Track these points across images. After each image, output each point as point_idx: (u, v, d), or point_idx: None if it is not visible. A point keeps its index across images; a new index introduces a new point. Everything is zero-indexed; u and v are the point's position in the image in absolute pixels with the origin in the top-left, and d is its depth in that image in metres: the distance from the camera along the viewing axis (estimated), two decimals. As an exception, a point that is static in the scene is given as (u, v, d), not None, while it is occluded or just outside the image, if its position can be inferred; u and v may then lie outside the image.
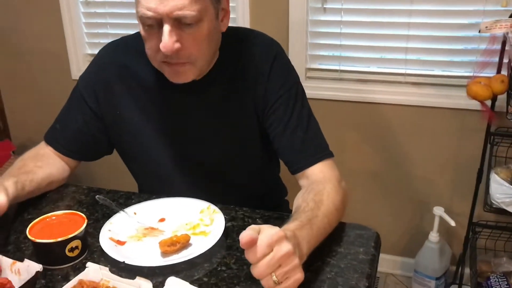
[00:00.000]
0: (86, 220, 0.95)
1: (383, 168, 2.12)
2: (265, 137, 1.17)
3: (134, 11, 1.01)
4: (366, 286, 0.85)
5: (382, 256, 2.20)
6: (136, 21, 1.03)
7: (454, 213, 2.02)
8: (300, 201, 1.00)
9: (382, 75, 2.02)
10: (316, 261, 0.91)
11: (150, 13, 0.94)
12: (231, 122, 1.15)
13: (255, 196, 1.20)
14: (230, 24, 1.12)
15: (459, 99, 1.89)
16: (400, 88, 2.00)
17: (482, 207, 1.84)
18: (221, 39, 1.12)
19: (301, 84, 1.18)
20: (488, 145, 1.79)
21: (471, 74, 1.83)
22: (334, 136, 2.10)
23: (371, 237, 0.99)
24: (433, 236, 2.02)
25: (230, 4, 2.03)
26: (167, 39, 0.95)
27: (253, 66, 1.12)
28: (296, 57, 2.04)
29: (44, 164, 1.17)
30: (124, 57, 1.17)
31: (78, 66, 2.34)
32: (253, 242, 0.74)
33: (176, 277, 0.83)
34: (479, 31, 1.61)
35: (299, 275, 0.77)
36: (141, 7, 0.95)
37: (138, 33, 1.11)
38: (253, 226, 0.77)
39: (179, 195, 1.11)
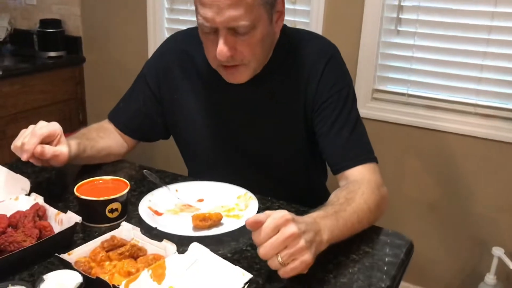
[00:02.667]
0: (128, 186, 1.01)
1: (443, 200, 2.04)
2: (312, 136, 1.18)
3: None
4: (388, 285, 0.83)
5: (433, 292, 2.12)
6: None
7: (516, 257, 1.89)
8: (332, 197, 1.00)
9: (452, 103, 1.97)
10: (340, 256, 0.90)
11: (207, 24, 1.01)
12: (279, 117, 1.18)
13: (296, 194, 1.20)
14: (306, 30, 1.20)
15: (533, 136, 1.79)
16: (470, 118, 1.94)
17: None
18: (281, 37, 1.16)
19: (353, 88, 1.19)
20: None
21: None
22: (395, 161, 2.08)
23: (404, 244, 0.96)
24: (490, 278, 1.90)
25: (304, 20, 2.10)
26: (222, 47, 1.02)
27: (307, 65, 1.15)
28: (364, 77, 2.04)
29: (106, 136, 1.26)
30: (186, 46, 1.25)
31: (156, 68, 2.49)
32: (258, 224, 0.77)
33: (200, 245, 0.86)
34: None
35: (306, 257, 0.78)
36: (199, 16, 1.03)
37: None
38: (265, 212, 0.79)
39: (224, 181, 1.15)
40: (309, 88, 1.15)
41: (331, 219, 0.89)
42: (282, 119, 1.18)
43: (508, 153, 1.87)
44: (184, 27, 2.41)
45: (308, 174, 1.30)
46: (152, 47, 2.52)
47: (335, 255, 0.91)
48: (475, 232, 2.00)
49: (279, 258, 0.77)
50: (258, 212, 1.02)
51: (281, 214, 0.79)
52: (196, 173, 1.31)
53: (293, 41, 1.18)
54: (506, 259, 1.82)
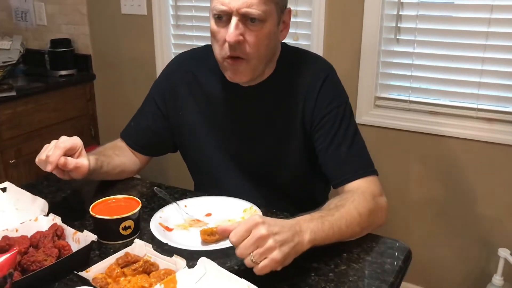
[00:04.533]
0: (140, 204, 1.07)
1: (448, 204, 2.08)
2: (311, 151, 1.24)
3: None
4: (386, 292, 0.88)
5: (441, 295, 2.15)
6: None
7: (522, 257, 1.92)
8: (325, 204, 1.06)
9: (453, 108, 2.01)
10: (341, 265, 0.96)
11: (223, 7, 1.08)
12: (279, 132, 1.24)
13: (299, 206, 1.26)
14: (305, 49, 1.26)
15: (534, 138, 1.83)
16: (471, 123, 1.97)
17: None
18: (281, 54, 1.22)
19: (349, 104, 1.24)
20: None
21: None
22: (399, 167, 2.13)
23: (402, 251, 1.01)
24: (497, 279, 1.93)
25: (306, 32, 2.16)
26: (233, 30, 1.08)
27: (305, 83, 1.22)
28: (366, 85, 2.09)
29: (120, 153, 1.34)
30: (190, 66, 1.32)
31: (164, 83, 2.56)
32: (226, 232, 0.89)
33: (209, 259, 0.92)
34: (553, 68, 1.57)
35: (274, 255, 0.86)
36: (216, 1, 1.10)
37: (206, 45, 1.25)
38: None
39: (229, 195, 1.21)
40: (306, 105, 1.21)
41: (316, 222, 0.96)
42: (282, 134, 1.24)
43: (510, 155, 1.91)
44: (189, 43, 2.52)
45: (310, 186, 1.35)
46: (160, 63, 2.60)
47: (336, 265, 0.96)
48: (481, 234, 2.03)
49: (251, 257, 0.86)
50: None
51: (253, 218, 0.89)
52: (203, 187, 1.37)
53: (293, 59, 1.25)
54: (512, 260, 1.85)
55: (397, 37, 2.03)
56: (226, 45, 1.11)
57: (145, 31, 2.60)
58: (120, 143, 1.39)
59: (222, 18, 1.11)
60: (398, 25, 2.01)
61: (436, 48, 1.96)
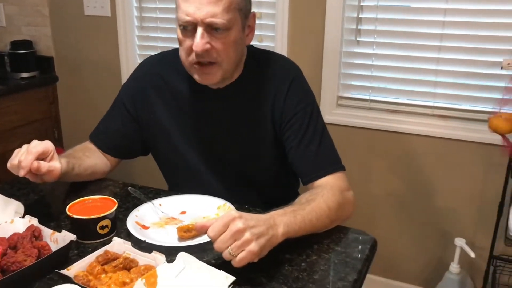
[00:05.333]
0: (116, 204, 1.10)
1: (408, 197, 2.18)
2: (281, 149, 1.29)
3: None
4: (355, 279, 0.94)
5: (403, 285, 2.26)
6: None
7: (477, 246, 2.04)
8: (297, 199, 1.12)
9: (411, 106, 2.11)
10: (313, 256, 1.01)
11: (187, 18, 1.12)
12: (249, 129, 1.29)
13: (271, 202, 1.31)
14: (271, 51, 1.30)
15: (486, 134, 1.92)
16: (428, 120, 2.08)
17: (504, 241, 1.86)
18: (248, 56, 1.27)
19: (316, 104, 1.31)
20: (511, 180, 1.83)
21: (497, 110, 1.89)
22: (362, 163, 2.21)
23: (368, 241, 1.08)
24: (454, 267, 2.04)
25: (270, 34, 2.22)
26: (199, 40, 1.12)
27: (273, 85, 1.27)
28: (329, 86, 2.17)
29: (91, 155, 1.36)
30: (159, 69, 1.35)
31: (129, 84, 2.56)
32: (204, 228, 0.93)
33: (187, 254, 0.96)
34: (501, 67, 1.69)
35: (251, 247, 0.90)
36: (181, 12, 1.13)
37: (175, 49, 1.29)
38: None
39: (203, 193, 1.24)
40: (275, 106, 1.26)
41: (289, 216, 1.01)
42: (252, 132, 1.29)
43: (464, 150, 2.03)
44: (154, 44, 2.53)
45: (281, 183, 1.41)
46: (124, 65, 2.60)
47: (308, 255, 1.02)
48: (439, 225, 2.15)
49: (229, 250, 0.90)
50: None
51: (229, 213, 0.93)
52: (176, 187, 1.40)
53: (260, 60, 1.30)
54: (467, 249, 1.96)
55: (358, 39, 2.12)
56: (194, 52, 1.15)
57: (109, 32, 2.60)
58: (89, 145, 1.40)
59: (188, 28, 1.14)
60: (359, 27, 2.10)
61: (395, 49, 2.06)
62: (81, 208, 1.10)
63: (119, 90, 1.42)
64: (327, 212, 1.09)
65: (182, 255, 0.93)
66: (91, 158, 1.35)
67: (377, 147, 2.18)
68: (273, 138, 1.29)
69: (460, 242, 2.00)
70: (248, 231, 0.91)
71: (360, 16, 2.08)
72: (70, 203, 1.11)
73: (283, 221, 0.99)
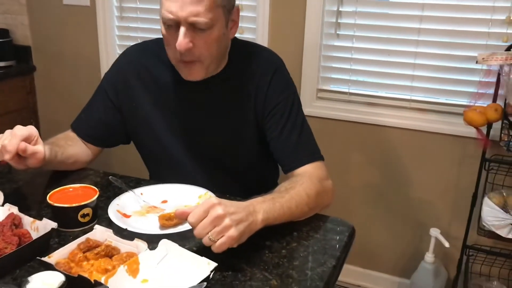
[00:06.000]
0: (98, 193, 1.10)
1: (385, 189, 2.23)
2: (263, 138, 1.31)
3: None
4: (333, 265, 0.97)
5: (380, 275, 2.31)
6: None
7: (451, 236, 2.09)
8: (276, 187, 1.14)
9: (389, 99, 2.15)
10: (292, 243, 1.03)
11: (170, 16, 1.12)
12: (232, 120, 1.31)
13: (251, 190, 1.32)
14: (254, 42, 1.32)
15: (461, 127, 1.97)
16: (406, 113, 2.12)
17: (476, 231, 1.92)
18: (232, 48, 1.28)
19: (297, 95, 1.33)
20: (484, 171, 1.88)
21: (472, 104, 1.94)
22: (340, 155, 2.25)
23: (347, 229, 1.11)
24: (429, 256, 2.09)
25: (251, 26, 2.23)
26: (182, 39, 1.13)
27: (256, 76, 1.28)
28: (309, 78, 2.19)
29: (73, 144, 1.35)
30: (141, 57, 1.35)
31: (109, 75, 2.54)
32: (184, 215, 0.94)
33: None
34: (476, 62, 1.73)
35: (231, 232, 0.92)
36: (164, 10, 1.13)
37: (157, 39, 1.30)
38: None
39: (185, 182, 1.25)
40: (258, 96, 1.28)
41: (268, 203, 1.03)
42: (235, 122, 1.31)
43: (440, 143, 2.07)
44: (134, 35, 2.52)
45: (261, 171, 1.43)
46: (104, 55, 2.58)
47: (288, 242, 1.04)
48: (415, 216, 2.20)
49: (209, 235, 0.91)
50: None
51: (209, 200, 0.94)
52: (158, 175, 1.41)
53: (244, 52, 1.31)
54: (442, 239, 2.01)
55: (337, 32, 2.14)
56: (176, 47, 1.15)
57: (88, 22, 2.57)
58: (71, 134, 1.39)
59: (172, 27, 1.15)
60: (338, 21, 2.12)
61: (374, 43, 2.09)
62: (62, 196, 1.10)
63: (98, 81, 1.42)
64: (306, 199, 1.11)
65: (164, 242, 0.94)
66: (73, 147, 1.35)
67: (356, 139, 2.22)
68: (255, 128, 1.31)
69: (435, 232, 2.05)
70: (228, 217, 0.93)
71: (340, 9, 2.10)
72: (50, 191, 1.11)
73: (262, 208, 1.01)
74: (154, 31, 2.44)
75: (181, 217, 0.96)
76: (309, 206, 1.12)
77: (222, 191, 1.23)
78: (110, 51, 2.57)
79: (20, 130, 1.12)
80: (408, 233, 2.24)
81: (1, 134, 1.12)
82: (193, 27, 1.13)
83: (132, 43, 1.38)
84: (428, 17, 1.98)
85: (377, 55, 2.10)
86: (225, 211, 0.93)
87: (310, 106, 2.20)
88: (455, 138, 2.05)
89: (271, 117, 1.28)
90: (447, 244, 1.98)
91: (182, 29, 1.12)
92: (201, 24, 1.12)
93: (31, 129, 1.14)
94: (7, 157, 1.08)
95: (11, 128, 1.15)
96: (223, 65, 1.29)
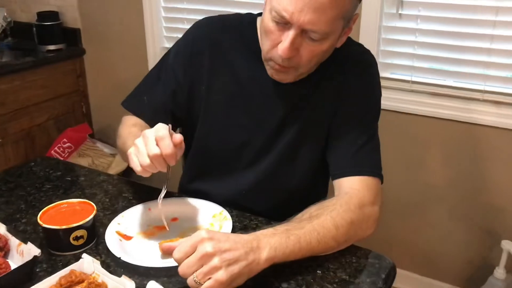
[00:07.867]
0: (94, 211, 0.97)
1: (452, 191, 1.96)
2: (324, 152, 1.15)
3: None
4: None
5: (440, 284, 2.06)
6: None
7: (527, 250, 1.81)
8: (301, 212, 0.95)
9: (458, 90, 1.86)
10: (314, 286, 0.85)
11: (285, 15, 0.93)
12: (303, 123, 1.13)
13: (299, 199, 1.13)
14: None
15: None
16: (477, 105, 1.83)
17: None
18: None
19: (380, 104, 1.16)
20: None
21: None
22: (399, 151, 2.00)
23: (384, 268, 0.90)
24: (499, 272, 1.83)
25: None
26: (288, 45, 0.95)
27: (340, 76, 1.11)
28: (365, 64, 1.95)
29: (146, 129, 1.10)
30: (220, 34, 1.16)
31: (155, 58, 2.43)
32: (170, 249, 0.83)
33: (169, 280, 0.85)
34: None
35: (219, 275, 0.77)
36: (279, 4, 0.94)
37: (238, 15, 1.16)
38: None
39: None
40: (341, 92, 1.11)
41: (279, 236, 0.85)
42: (302, 135, 1.14)
43: (518, 141, 1.78)
44: (181, 16, 2.37)
45: (310, 190, 1.23)
46: (150, 37, 2.46)
47: (309, 285, 0.85)
48: (486, 224, 1.92)
49: (194, 277, 0.77)
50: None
51: (199, 233, 0.80)
52: (193, 173, 1.25)
53: (336, 55, 1.10)
54: (516, 254, 1.74)
55: (400, 12, 1.88)
56: (278, 49, 0.98)
57: (134, 3, 2.46)
58: (137, 120, 1.19)
59: (279, 23, 0.96)
60: (401, -1, 1.85)
61: (441, 24, 1.81)
62: (56, 214, 0.97)
63: (145, 63, 1.20)
64: (334, 232, 0.91)
65: (152, 285, 0.79)
66: None
67: (419, 134, 1.96)
68: (322, 141, 1.14)
69: (507, 245, 1.78)
70: (218, 256, 0.77)
71: (403, -15, 1.83)
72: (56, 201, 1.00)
73: (269, 243, 0.83)
74: (201, 12, 2.28)
75: (167, 253, 0.84)
76: (336, 240, 0.92)
77: (258, 201, 1.13)
78: (156, 33, 2.44)
79: (162, 129, 0.91)
80: (477, 243, 1.96)
81: (132, 148, 0.93)
82: (304, 33, 0.95)
83: (178, 26, 1.16)
84: (509, -6, 1.66)
85: (446, 38, 1.82)
86: (216, 248, 0.78)
87: (366, 96, 1.96)
88: (536, 137, 1.74)
89: (344, 114, 1.11)
90: (521, 261, 1.71)
91: (292, 34, 0.94)
92: (315, 35, 0.95)
93: (165, 126, 0.94)
94: (173, 162, 0.91)
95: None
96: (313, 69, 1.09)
